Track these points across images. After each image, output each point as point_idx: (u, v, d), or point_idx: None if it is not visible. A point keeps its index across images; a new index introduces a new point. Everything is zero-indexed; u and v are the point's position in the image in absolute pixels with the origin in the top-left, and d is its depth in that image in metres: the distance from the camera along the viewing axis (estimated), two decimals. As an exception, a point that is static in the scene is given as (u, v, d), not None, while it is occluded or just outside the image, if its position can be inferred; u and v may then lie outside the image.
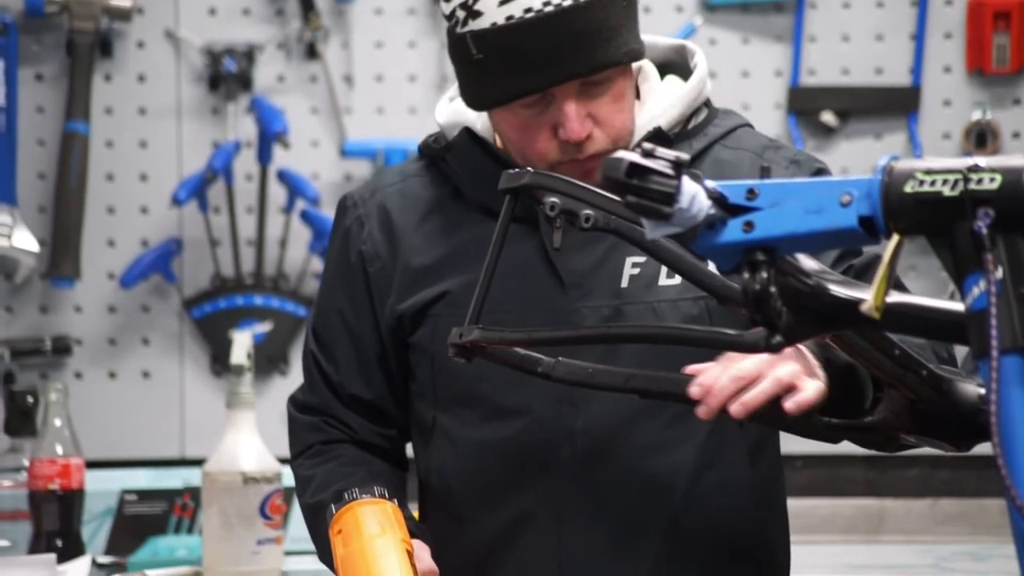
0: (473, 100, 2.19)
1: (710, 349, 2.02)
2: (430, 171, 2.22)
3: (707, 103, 2.25)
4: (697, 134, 2.20)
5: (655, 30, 3.22)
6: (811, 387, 1.95)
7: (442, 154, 2.21)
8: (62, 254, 3.31)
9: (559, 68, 2.09)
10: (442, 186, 2.21)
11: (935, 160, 1.72)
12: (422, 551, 2.12)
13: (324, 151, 3.38)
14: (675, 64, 2.24)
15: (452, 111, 2.22)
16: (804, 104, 3.38)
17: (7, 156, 3.31)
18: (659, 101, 2.18)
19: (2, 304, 3.37)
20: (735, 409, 1.94)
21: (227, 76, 3.34)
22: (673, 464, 2.09)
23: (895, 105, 3.36)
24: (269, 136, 3.30)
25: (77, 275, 3.32)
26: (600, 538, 2.10)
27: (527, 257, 2.17)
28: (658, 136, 2.17)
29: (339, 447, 2.23)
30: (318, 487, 2.20)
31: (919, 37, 3.36)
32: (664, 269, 2.17)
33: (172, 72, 3.38)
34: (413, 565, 2.06)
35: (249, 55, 3.36)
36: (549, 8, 2.09)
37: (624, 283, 2.16)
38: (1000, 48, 3.32)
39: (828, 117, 3.37)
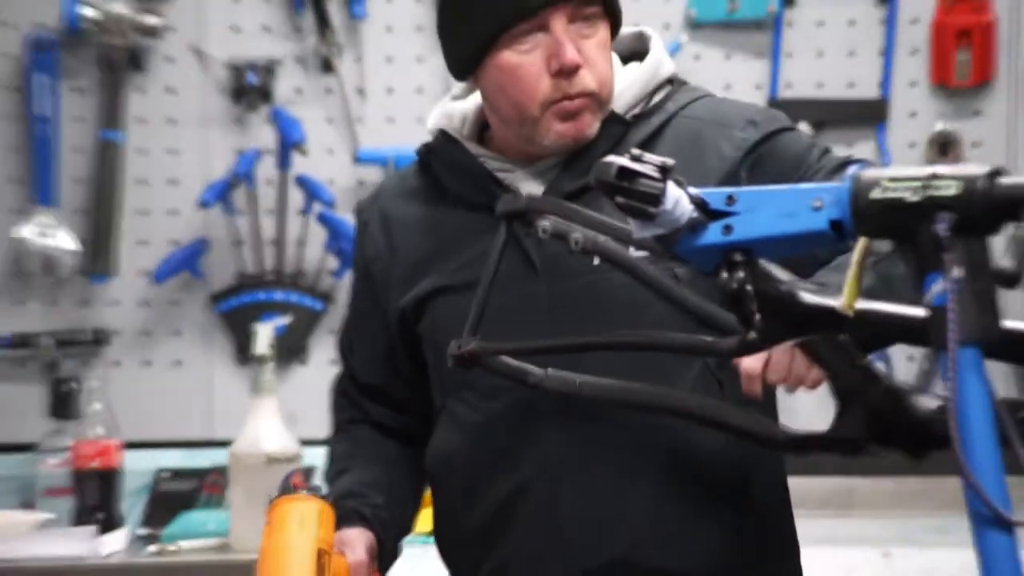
0: (464, 59, 2.13)
1: (688, 354, 2.00)
2: (423, 173, 2.19)
3: (671, 79, 2.17)
4: (657, 110, 2.13)
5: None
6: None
7: (427, 155, 2.18)
8: (99, 253, 3.37)
9: None
10: (432, 186, 2.18)
11: (899, 168, 1.72)
12: (356, 542, 2.08)
13: (339, 158, 3.42)
14: (637, 52, 2.18)
15: (437, 115, 2.18)
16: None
17: (49, 162, 3.36)
18: (616, 85, 2.11)
19: (45, 299, 3.40)
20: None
21: (249, 89, 3.38)
22: (660, 420, 2.02)
23: (865, 116, 3.39)
24: (288, 144, 3.35)
25: (113, 272, 3.38)
26: (592, 498, 2.06)
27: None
28: (614, 119, 2.11)
29: (358, 427, 2.25)
30: (331, 465, 2.24)
31: (887, 54, 3.40)
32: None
33: (198, 85, 3.41)
34: (324, 568, 2.00)
35: (269, 69, 3.39)
36: None
37: (594, 259, 2.05)
38: (961, 64, 3.36)
39: (804, 127, 3.32)
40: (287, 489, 2.04)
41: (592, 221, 1.95)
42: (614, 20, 2.10)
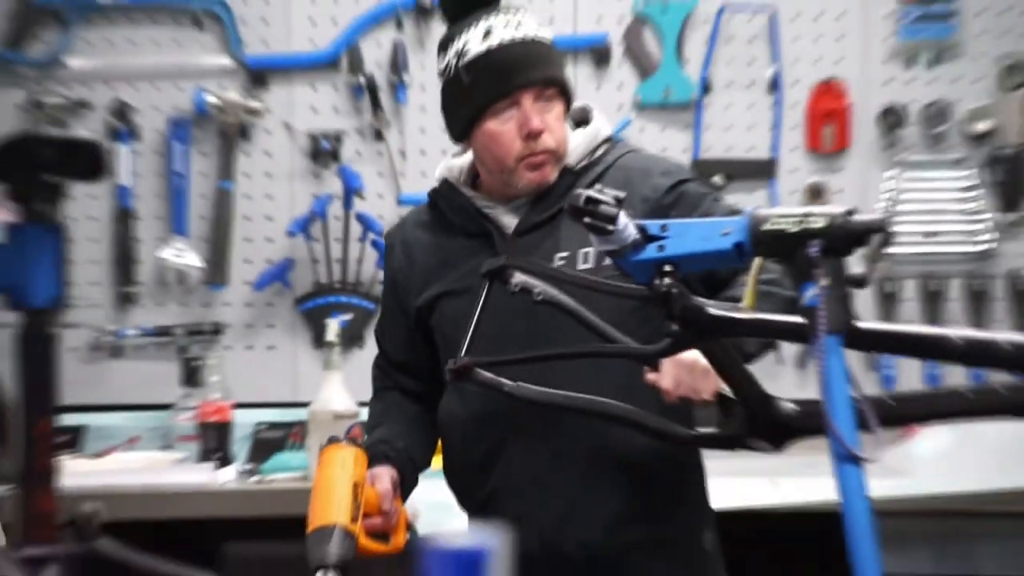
0: (462, 126, 2.10)
1: (624, 357, 1.95)
2: (432, 210, 2.18)
3: (609, 139, 2.16)
4: (599, 162, 2.12)
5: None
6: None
7: (435, 197, 2.17)
8: (217, 268, 3.37)
9: (523, 76, 2.04)
10: (439, 219, 2.16)
11: (783, 208, 1.75)
12: (384, 476, 2.05)
13: (386, 201, 3.41)
14: (585, 120, 2.17)
15: (441, 169, 2.18)
16: (702, 170, 3.34)
17: (182, 204, 3.37)
18: (569, 144, 2.10)
19: (179, 301, 3.39)
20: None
21: (323, 152, 3.38)
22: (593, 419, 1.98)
23: (760, 172, 3.39)
24: (350, 191, 3.35)
25: (226, 282, 3.39)
26: (549, 457, 2.05)
27: (483, 264, 2.05)
28: (567, 169, 2.10)
29: (389, 393, 2.24)
30: (369, 420, 2.23)
31: (776, 128, 3.40)
32: (580, 257, 2.08)
33: (287, 149, 3.41)
34: (357, 497, 1.97)
35: (338, 138, 3.39)
36: (517, 37, 2.04)
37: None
38: (827, 136, 3.38)
39: (717, 179, 3.36)
40: (334, 439, 2.03)
41: (549, 272, 1.94)
42: (567, 98, 2.10)
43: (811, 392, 1.73)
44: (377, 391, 2.27)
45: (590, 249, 2.06)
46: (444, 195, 2.17)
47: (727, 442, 1.91)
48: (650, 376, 1.95)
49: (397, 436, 2.15)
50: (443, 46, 2.10)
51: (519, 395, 1.94)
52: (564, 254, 2.08)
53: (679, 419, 1.92)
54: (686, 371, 1.93)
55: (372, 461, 2.06)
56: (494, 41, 2.05)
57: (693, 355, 1.93)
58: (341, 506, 1.95)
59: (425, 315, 2.16)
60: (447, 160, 2.20)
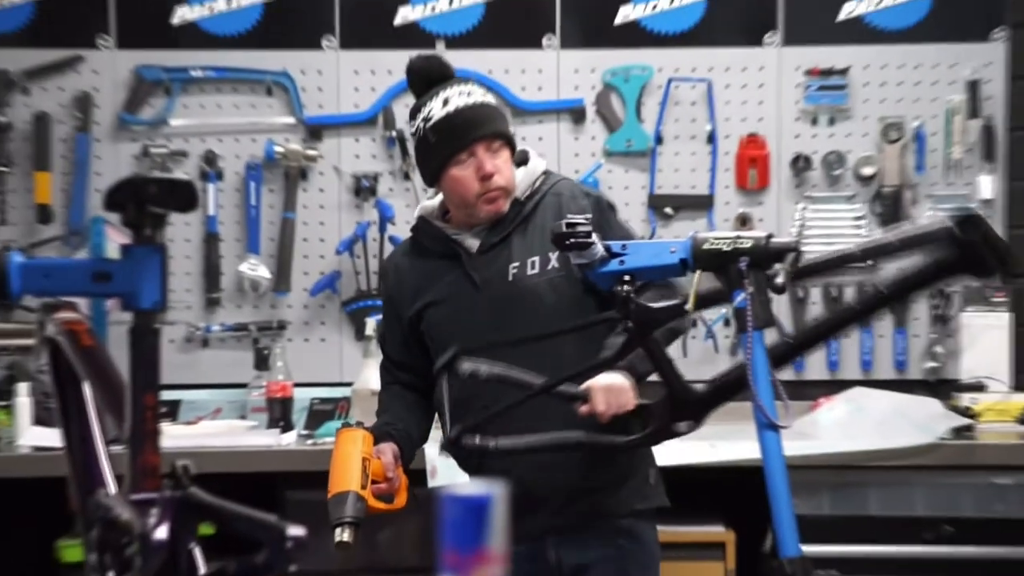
0: (432, 174, 2.10)
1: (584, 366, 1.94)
2: (414, 241, 2.21)
3: (545, 172, 2.16)
4: (539, 191, 2.13)
5: (581, 167, 3.32)
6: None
7: (415, 231, 2.21)
8: (281, 279, 3.35)
9: (476, 132, 2.05)
10: (420, 247, 2.18)
11: (719, 232, 1.82)
12: (387, 450, 2.04)
13: None
14: (525, 160, 2.16)
15: (419, 209, 2.21)
16: (656, 203, 3.34)
17: (256, 229, 3.36)
18: (516, 179, 2.12)
19: (252, 303, 3.37)
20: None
21: (364, 188, 3.35)
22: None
23: (701, 205, 3.36)
24: (384, 219, 3.33)
25: (288, 289, 3.36)
26: (524, 427, 1.97)
27: (456, 278, 2.11)
28: (515, 201, 2.11)
29: (392, 386, 2.23)
30: (378, 408, 2.23)
31: (712, 170, 3.37)
32: (528, 265, 2.07)
33: (336, 186, 3.38)
34: (366, 468, 1.96)
35: (375, 178, 3.36)
36: (468, 103, 2.06)
37: (509, 277, 2.09)
38: (752, 176, 3.35)
39: (668, 210, 3.34)
40: (346, 424, 2.06)
41: (495, 364, 1.93)
42: (512, 146, 2.11)
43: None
44: (383, 386, 2.26)
45: (536, 258, 2.08)
46: (422, 228, 2.19)
47: (655, 436, 1.92)
48: (583, 409, 1.93)
49: (398, 419, 2.14)
50: (412, 114, 2.14)
51: (502, 449, 1.94)
52: (516, 263, 2.09)
53: (619, 429, 1.93)
54: (613, 394, 1.92)
55: (378, 440, 2.07)
56: (451, 107, 2.07)
57: (612, 378, 1.93)
58: (353, 476, 1.95)
59: (415, 323, 2.16)
60: (423, 202, 2.22)
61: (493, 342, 1.98)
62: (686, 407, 1.87)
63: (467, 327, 2.07)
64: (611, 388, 1.92)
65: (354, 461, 1.98)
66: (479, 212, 2.10)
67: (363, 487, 1.96)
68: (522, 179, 2.14)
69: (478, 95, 2.10)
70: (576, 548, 2.10)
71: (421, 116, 2.10)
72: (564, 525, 2.09)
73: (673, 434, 1.93)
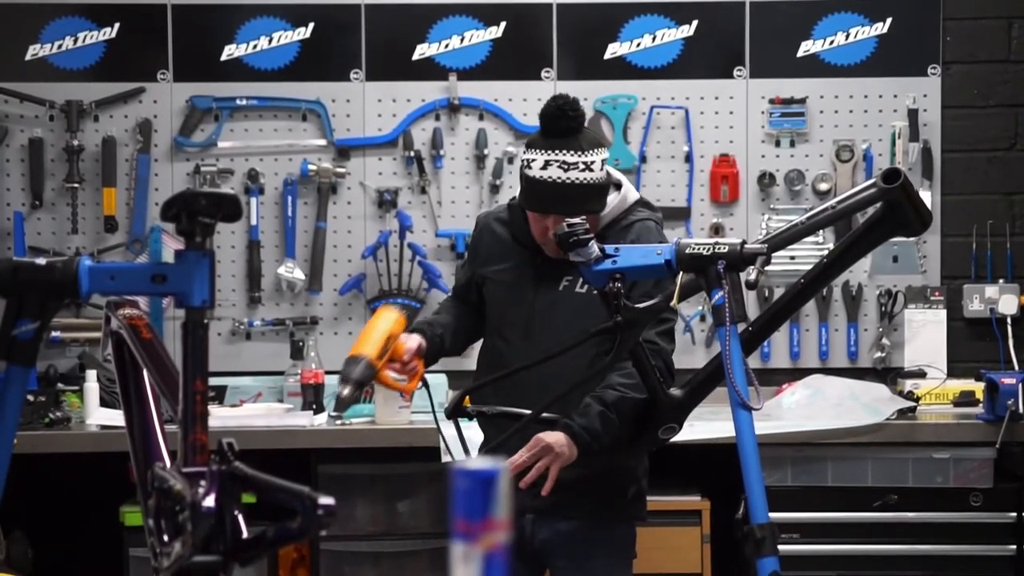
0: (521, 201, 2.07)
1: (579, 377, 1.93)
2: (510, 211, 2.14)
3: (639, 200, 2.09)
4: (619, 222, 2.06)
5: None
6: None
7: (512, 209, 2.13)
8: (314, 279, 3.33)
9: (554, 209, 1.98)
10: (509, 220, 2.13)
11: (699, 238, 1.89)
12: (413, 339, 1.99)
13: (428, 234, 3.35)
14: (617, 184, 2.10)
15: (518, 192, 2.11)
16: None
17: (293, 236, 3.33)
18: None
19: (289, 301, 3.35)
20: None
21: (386, 201, 3.33)
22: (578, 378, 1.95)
23: (680, 216, 3.34)
24: (404, 228, 3.31)
25: (320, 289, 3.34)
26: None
27: (522, 266, 2.07)
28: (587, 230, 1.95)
29: (449, 299, 2.26)
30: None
31: (689, 185, 3.37)
32: (579, 281, 2.03)
33: (362, 199, 3.36)
34: (387, 344, 1.91)
35: (396, 192, 3.34)
36: (562, 178, 1.97)
37: (560, 287, 2.06)
38: (724, 191, 3.33)
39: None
40: (389, 302, 2.04)
41: (493, 411, 1.95)
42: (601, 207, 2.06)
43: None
44: (448, 297, 2.29)
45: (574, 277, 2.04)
46: (516, 212, 2.12)
47: (646, 446, 1.97)
48: (510, 460, 1.91)
49: (438, 324, 2.11)
50: (528, 145, 2.03)
51: (490, 414, 1.95)
52: (570, 277, 2.06)
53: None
54: (538, 458, 1.92)
55: (412, 331, 2.02)
56: (545, 175, 1.98)
57: (555, 439, 1.91)
58: (374, 345, 1.91)
59: (480, 282, 2.15)
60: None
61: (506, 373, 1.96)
62: (671, 411, 1.88)
63: (511, 320, 2.06)
64: (545, 448, 1.89)
65: (379, 334, 1.93)
66: (546, 248, 2.05)
67: (378, 358, 1.90)
68: (613, 206, 2.06)
69: (577, 171, 1.96)
70: (548, 527, 2.08)
71: (528, 155, 2.01)
72: (542, 507, 2.05)
73: (660, 442, 1.93)
